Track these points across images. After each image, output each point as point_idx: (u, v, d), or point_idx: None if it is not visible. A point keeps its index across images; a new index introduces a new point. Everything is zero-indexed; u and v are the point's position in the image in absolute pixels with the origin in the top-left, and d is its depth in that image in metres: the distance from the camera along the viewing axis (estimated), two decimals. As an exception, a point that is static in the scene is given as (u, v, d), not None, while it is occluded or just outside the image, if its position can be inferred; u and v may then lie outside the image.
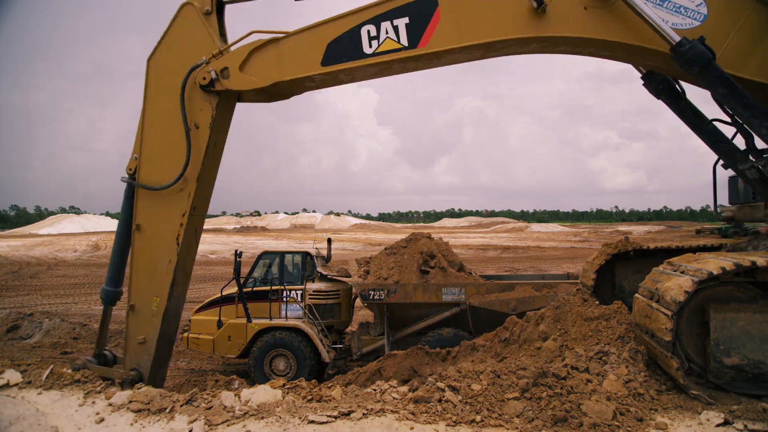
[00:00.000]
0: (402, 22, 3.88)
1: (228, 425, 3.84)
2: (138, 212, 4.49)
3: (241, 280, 8.49)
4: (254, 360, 8.18)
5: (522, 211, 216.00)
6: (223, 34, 4.32)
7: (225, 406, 4.08)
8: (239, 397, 4.21)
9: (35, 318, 12.60)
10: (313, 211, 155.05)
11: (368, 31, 3.90)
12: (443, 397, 4.03)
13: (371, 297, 8.08)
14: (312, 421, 3.77)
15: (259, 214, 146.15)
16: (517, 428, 3.69)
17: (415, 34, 3.87)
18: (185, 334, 8.93)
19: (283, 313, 8.54)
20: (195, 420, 3.90)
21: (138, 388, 4.46)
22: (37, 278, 23.86)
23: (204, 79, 4.14)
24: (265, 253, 9.24)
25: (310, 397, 4.21)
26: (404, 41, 3.91)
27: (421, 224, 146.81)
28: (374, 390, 4.35)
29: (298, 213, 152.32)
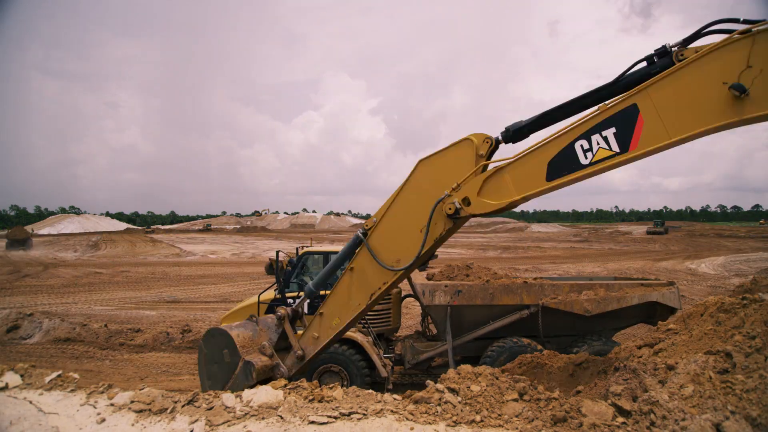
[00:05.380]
0: (610, 132, 4.29)
1: (229, 425, 3.85)
2: (356, 260, 5.38)
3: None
4: (302, 378, 7.32)
5: (522, 211, 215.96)
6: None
7: (226, 407, 4.09)
8: (240, 398, 4.23)
9: (35, 318, 12.63)
10: (313, 211, 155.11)
11: (581, 146, 4.39)
12: (443, 398, 4.05)
13: (435, 299, 7.43)
14: (313, 422, 3.79)
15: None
16: (516, 428, 3.71)
17: (624, 140, 4.24)
18: None
19: None
20: (196, 420, 3.91)
21: (140, 389, 4.48)
22: (37, 278, 23.87)
23: (450, 209, 4.80)
24: (308, 254, 8.30)
25: (311, 398, 4.22)
26: (615, 148, 4.28)
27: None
28: (375, 390, 4.37)
29: (298, 213, 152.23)
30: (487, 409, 3.92)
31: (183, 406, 4.13)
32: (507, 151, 4.81)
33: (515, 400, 4.01)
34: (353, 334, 7.43)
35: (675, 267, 26.62)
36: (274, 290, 7.91)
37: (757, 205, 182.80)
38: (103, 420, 4.02)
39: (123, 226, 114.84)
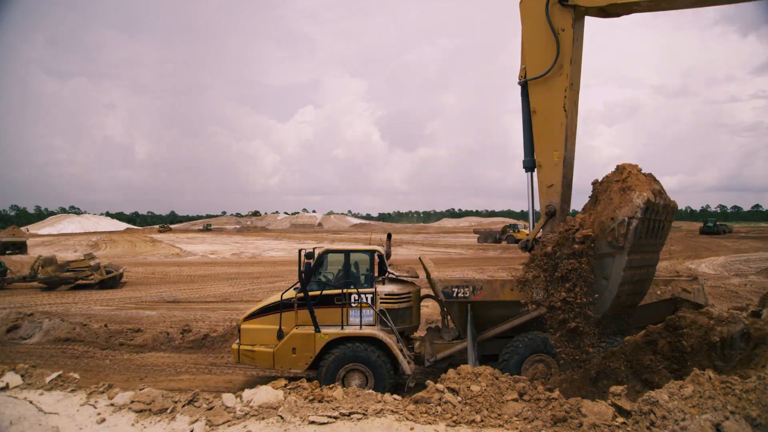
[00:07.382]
0: None
1: (229, 425, 3.85)
2: (532, 100, 6.22)
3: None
4: (325, 377, 7.09)
5: (522, 211, 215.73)
6: None
7: (226, 407, 4.10)
8: (241, 398, 4.23)
9: (35, 318, 12.62)
10: (313, 211, 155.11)
11: None
12: (443, 398, 4.05)
13: (455, 295, 7.33)
14: (313, 422, 3.79)
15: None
16: (516, 428, 3.71)
17: None
18: (234, 346, 7.98)
19: (352, 320, 7.55)
20: (196, 420, 3.91)
21: (140, 389, 4.48)
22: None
23: None
24: (329, 252, 8.20)
25: (311, 398, 4.22)
26: None
27: (421, 224, 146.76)
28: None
29: (298, 213, 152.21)
30: (487, 409, 3.92)
31: (183, 406, 4.14)
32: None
33: (515, 400, 4.01)
34: (377, 332, 7.39)
35: (675, 267, 26.61)
36: (294, 289, 7.89)
37: (757, 205, 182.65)
38: (104, 420, 4.02)
39: (123, 226, 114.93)
